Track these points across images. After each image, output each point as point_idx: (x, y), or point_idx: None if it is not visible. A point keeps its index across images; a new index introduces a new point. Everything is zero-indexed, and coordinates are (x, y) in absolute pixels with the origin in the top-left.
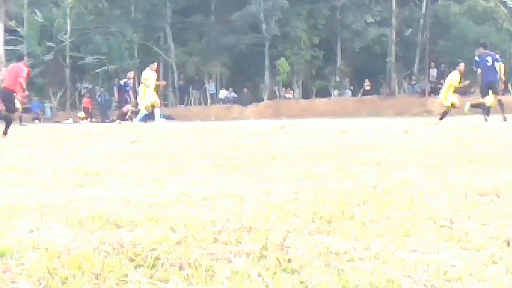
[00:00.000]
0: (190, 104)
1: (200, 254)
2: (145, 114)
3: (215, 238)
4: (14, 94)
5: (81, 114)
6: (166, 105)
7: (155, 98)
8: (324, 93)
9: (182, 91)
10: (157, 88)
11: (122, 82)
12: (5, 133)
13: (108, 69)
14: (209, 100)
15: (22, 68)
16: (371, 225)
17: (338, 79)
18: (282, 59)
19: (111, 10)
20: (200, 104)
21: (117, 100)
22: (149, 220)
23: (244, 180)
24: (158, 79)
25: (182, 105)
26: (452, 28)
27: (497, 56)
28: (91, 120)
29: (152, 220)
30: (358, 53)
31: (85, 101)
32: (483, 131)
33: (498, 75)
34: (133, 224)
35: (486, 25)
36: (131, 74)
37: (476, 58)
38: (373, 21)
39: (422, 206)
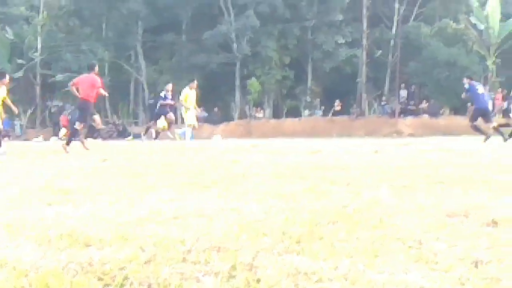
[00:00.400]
0: None
1: (169, 273)
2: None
3: (184, 257)
4: (89, 104)
5: (63, 131)
6: (136, 124)
7: (193, 121)
8: (294, 113)
9: (152, 109)
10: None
11: (162, 94)
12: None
13: None
14: (179, 119)
15: (95, 78)
16: (341, 245)
17: (308, 99)
18: (253, 78)
19: (82, 28)
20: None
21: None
22: (118, 238)
23: (215, 199)
24: (197, 96)
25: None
26: (422, 50)
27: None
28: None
29: (121, 238)
30: (328, 73)
31: (63, 118)
32: (455, 153)
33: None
34: (102, 243)
35: (456, 47)
36: (169, 86)
37: (466, 85)
38: (344, 41)
39: (391, 226)
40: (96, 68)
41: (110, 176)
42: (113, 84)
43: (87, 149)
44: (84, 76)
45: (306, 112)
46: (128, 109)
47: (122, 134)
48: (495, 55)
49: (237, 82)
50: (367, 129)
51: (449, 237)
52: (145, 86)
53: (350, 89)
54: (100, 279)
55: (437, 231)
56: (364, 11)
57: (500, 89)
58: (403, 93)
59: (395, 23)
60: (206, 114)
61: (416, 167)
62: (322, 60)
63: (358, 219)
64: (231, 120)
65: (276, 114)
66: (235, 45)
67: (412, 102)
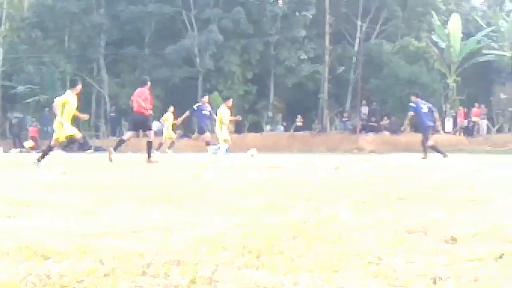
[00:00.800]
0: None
1: (128, 286)
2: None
3: (143, 271)
4: (146, 117)
5: (29, 143)
6: (97, 137)
7: (228, 136)
8: (256, 128)
9: (114, 123)
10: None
11: (195, 106)
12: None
13: (40, 99)
14: (141, 132)
15: (143, 91)
16: (300, 260)
17: (270, 114)
18: (216, 93)
19: (44, 40)
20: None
21: (179, 123)
22: (77, 251)
23: (175, 213)
24: (232, 115)
25: (114, 137)
26: (384, 67)
27: (430, 105)
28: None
29: (80, 251)
30: (291, 89)
31: (32, 130)
32: (414, 169)
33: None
34: (61, 256)
35: (418, 64)
36: (206, 98)
37: (413, 104)
38: (307, 57)
39: (350, 242)
40: (149, 84)
41: (70, 189)
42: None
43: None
44: (139, 90)
45: (268, 127)
46: (89, 122)
47: (83, 147)
48: (456, 73)
49: (200, 97)
50: (328, 145)
51: (408, 253)
52: (107, 99)
53: (312, 105)
54: None
55: (396, 247)
56: (327, 27)
57: (461, 108)
58: (365, 109)
59: (357, 40)
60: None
61: (376, 183)
62: (285, 75)
63: (318, 235)
64: (193, 134)
65: (238, 129)
66: (198, 60)
67: (373, 119)
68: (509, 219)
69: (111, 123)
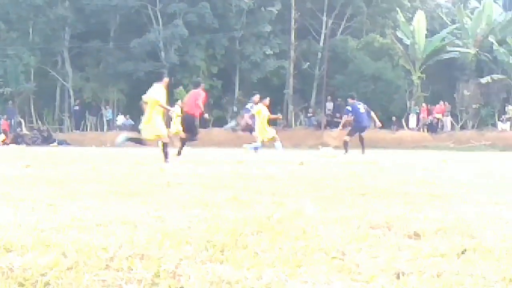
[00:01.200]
0: (86, 130)
1: (91, 280)
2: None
3: (107, 264)
4: (195, 118)
5: (1, 136)
6: (61, 130)
7: (273, 133)
8: (221, 122)
9: (78, 116)
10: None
11: (248, 106)
12: (179, 153)
13: (3, 92)
14: (105, 126)
15: (200, 93)
16: (264, 255)
17: (235, 109)
18: (181, 87)
19: (8, 32)
20: (96, 130)
21: (244, 124)
22: (40, 244)
23: (139, 207)
24: (270, 112)
25: (78, 131)
26: (349, 63)
27: (365, 105)
28: (8, 142)
29: (43, 245)
30: (256, 84)
31: (3, 123)
32: (378, 165)
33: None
34: (23, 249)
35: (382, 61)
36: (256, 97)
37: (348, 107)
38: (272, 53)
39: (314, 237)
40: (202, 85)
41: (33, 183)
42: (38, 90)
43: (178, 156)
44: (193, 92)
45: (233, 122)
46: (53, 115)
47: (47, 140)
48: (420, 70)
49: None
50: (293, 141)
51: (372, 248)
52: (71, 93)
53: (277, 101)
54: (21, 284)
55: (360, 242)
56: (292, 23)
57: (425, 104)
58: (329, 105)
59: (322, 36)
60: (132, 123)
61: (340, 179)
62: (250, 70)
63: (282, 230)
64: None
65: (202, 123)
66: (163, 54)
67: (338, 115)
68: (471, 215)
69: (75, 116)
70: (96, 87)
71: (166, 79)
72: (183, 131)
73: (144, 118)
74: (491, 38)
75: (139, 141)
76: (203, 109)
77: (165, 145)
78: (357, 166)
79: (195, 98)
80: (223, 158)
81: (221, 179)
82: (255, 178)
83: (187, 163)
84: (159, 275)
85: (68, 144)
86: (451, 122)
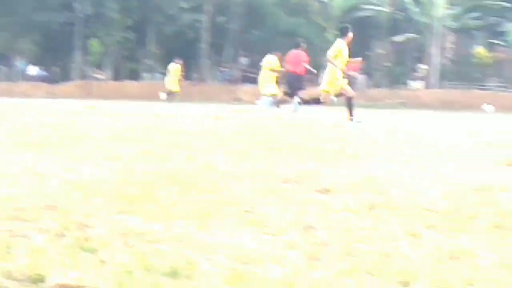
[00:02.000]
0: None
1: None
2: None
3: (14, 214)
4: (299, 76)
5: None
6: None
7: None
8: (135, 75)
9: None
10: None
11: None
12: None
13: None
14: (17, 77)
15: (301, 53)
16: (174, 208)
17: (149, 62)
18: (95, 39)
19: None
20: (8, 80)
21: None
22: None
23: (49, 159)
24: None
25: None
26: (265, 19)
27: None
28: None
29: None
30: (171, 37)
31: None
32: (290, 121)
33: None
34: None
35: (299, 17)
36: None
37: None
38: (187, 6)
39: (225, 191)
40: (303, 45)
41: None
42: None
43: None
44: (294, 52)
45: (146, 75)
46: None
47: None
48: (336, 27)
49: (78, 42)
50: (207, 95)
51: (282, 203)
52: None
53: (191, 54)
54: None
55: (270, 197)
56: None
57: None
58: (245, 60)
59: None
60: (46, 74)
61: (253, 134)
62: (165, 23)
63: (193, 183)
64: (70, 81)
65: (117, 77)
66: (77, 5)
67: (253, 70)
68: (380, 172)
69: None
70: (7, 37)
71: (350, 34)
72: (289, 89)
73: (326, 74)
74: None
75: (317, 101)
76: (307, 68)
77: (349, 100)
78: (271, 122)
79: (298, 57)
80: (137, 111)
81: (134, 132)
82: (168, 132)
83: (101, 115)
84: (67, 227)
85: None
86: (365, 80)
